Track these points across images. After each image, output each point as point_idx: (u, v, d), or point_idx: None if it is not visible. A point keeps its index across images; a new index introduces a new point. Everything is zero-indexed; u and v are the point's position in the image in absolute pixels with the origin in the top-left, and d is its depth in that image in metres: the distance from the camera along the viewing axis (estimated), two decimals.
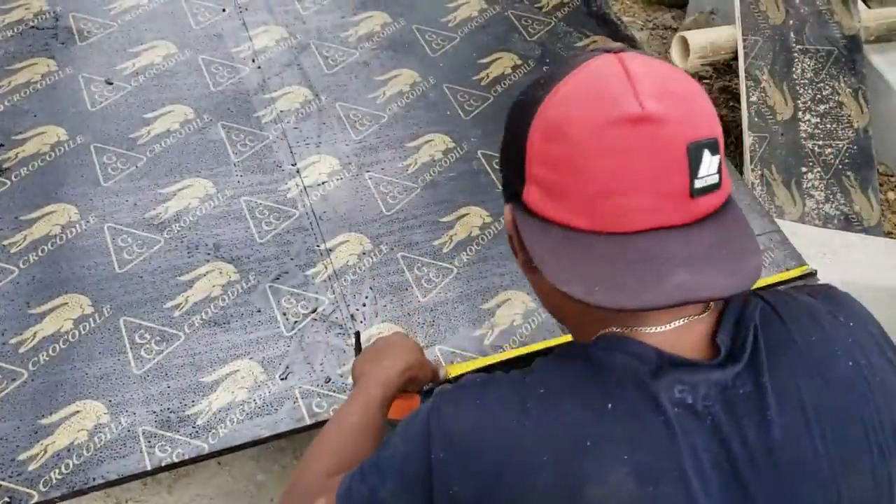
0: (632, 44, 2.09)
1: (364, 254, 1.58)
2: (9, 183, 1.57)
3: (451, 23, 2.07)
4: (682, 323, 0.74)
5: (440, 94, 1.89)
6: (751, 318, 0.75)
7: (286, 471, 1.67)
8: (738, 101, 2.49)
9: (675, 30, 2.75)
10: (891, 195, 2.23)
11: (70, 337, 1.39)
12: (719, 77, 2.53)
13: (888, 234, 2.13)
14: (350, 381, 1.28)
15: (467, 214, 1.67)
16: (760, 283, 1.60)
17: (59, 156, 1.63)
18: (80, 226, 1.53)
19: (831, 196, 2.07)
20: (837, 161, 2.10)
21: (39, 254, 1.48)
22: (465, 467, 0.72)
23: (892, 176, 2.27)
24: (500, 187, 0.84)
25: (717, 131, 0.72)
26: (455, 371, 1.36)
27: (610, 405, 0.70)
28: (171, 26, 1.92)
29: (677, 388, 0.70)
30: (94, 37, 1.86)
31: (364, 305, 1.50)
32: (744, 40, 2.13)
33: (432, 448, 0.74)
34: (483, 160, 1.77)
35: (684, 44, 2.22)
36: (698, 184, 0.69)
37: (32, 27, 1.85)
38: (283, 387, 1.38)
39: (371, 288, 1.53)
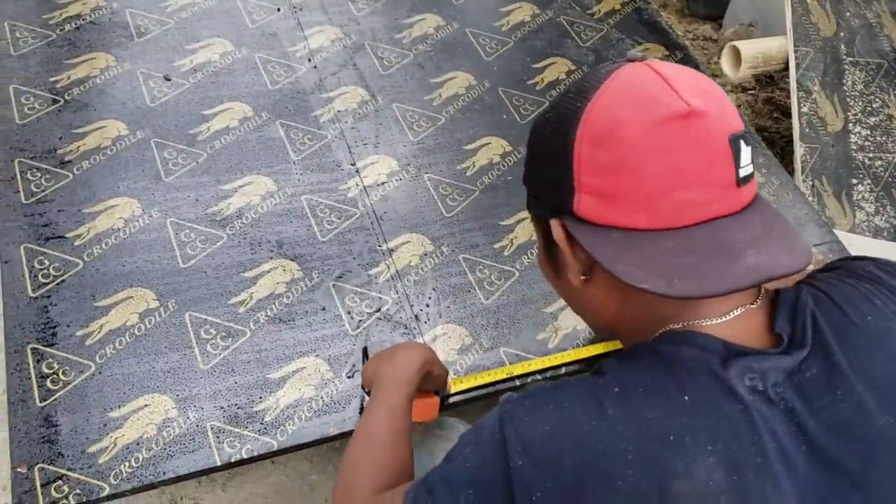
0: (684, 52, 2.09)
1: (426, 255, 1.57)
2: (71, 176, 1.56)
3: (504, 27, 2.07)
4: (737, 313, 0.76)
5: (496, 97, 1.89)
6: (805, 304, 0.77)
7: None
8: (783, 113, 2.50)
9: (715, 41, 2.75)
10: None
11: (136, 330, 1.38)
12: (762, 88, 2.53)
13: None
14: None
15: (527, 218, 1.66)
16: None
17: (120, 150, 1.62)
18: (142, 220, 1.52)
19: (881, 208, 2.06)
20: (887, 174, 2.10)
21: (103, 247, 1.47)
22: (545, 473, 0.71)
23: None
24: (530, 206, 0.87)
25: (743, 124, 0.76)
26: (457, 386, 1.35)
27: (686, 397, 0.71)
28: (226, 24, 1.92)
29: (748, 376, 0.72)
30: (151, 33, 1.86)
31: (427, 306, 1.49)
32: (795, 51, 2.13)
33: (510, 456, 0.73)
34: None
35: (735, 53, 2.22)
36: (742, 172, 0.73)
37: (90, 22, 1.85)
38: (349, 385, 1.37)
39: (434, 289, 1.52)
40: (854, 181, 2.07)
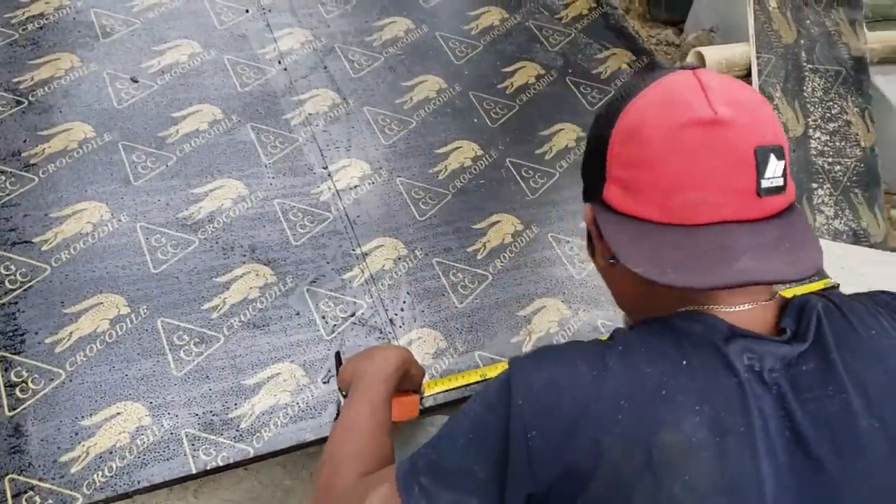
0: (650, 57, 2.12)
1: (399, 259, 1.57)
2: (36, 179, 1.53)
3: (473, 31, 2.08)
4: (749, 307, 0.81)
5: (466, 101, 1.90)
6: (813, 308, 0.82)
7: (314, 476, 1.65)
8: None
9: (678, 46, 2.79)
10: (894, 213, 2.28)
11: (107, 337, 1.36)
12: None
13: (893, 251, 2.19)
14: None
15: (499, 222, 1.67)
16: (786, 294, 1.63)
17: (87, 153, 1.59)
18: (111, 224, 1.50)
19: (840, 212, 2.12)
20: (846, 178, 2.15)
21: (71, 252, 1.45)
22: (544, 415, 0.75)
23: (894, 194, 2.33)
24: (582, 191, 0.92)
25: (783, 140, 0.79)
26: (431, 388, 1.36)
27: (685, 362, 0.76)
28: (194, 25, 1.89)
29: (746, 355, 0.77)
30: (117, 34, 1.83)
31: (402, 310, 1.50)
32: (757, 58, 2.18)
33: (512, 398, 0.78)
34: (512, 168, 1.78)
35: (700, 59, 2.26)
36: (765, 184, 0.76)
37: (54, 21, 1.81)
38: (325, 390, 1.37)
39: (408, 293, 1.52)
40: (814, 185, 2.12)
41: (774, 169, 0.77)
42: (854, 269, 1.81)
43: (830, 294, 0.87)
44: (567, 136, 1.86)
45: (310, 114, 1.78)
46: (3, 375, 1.28)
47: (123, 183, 1.56)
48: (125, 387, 1.31)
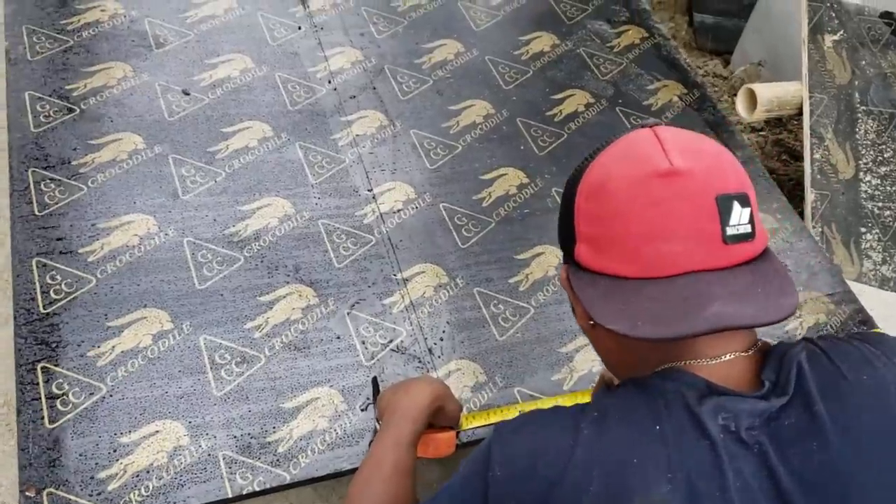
0: (701, 90, 2.10)
1: (440, 286, 1.56)
2: (85, 189, 1.54)
3: (523, 56, 2.07)
4: (728, 358, 0.80)
5: (514, 127, 1.89)
6: (794, 357, 0.81)
7: (343, 501, 1.64)
8: (791, 156, 2.51)
9: (725, 78, 2.76)
10: None
11: (149, 353, 1.36)
12: (771, 130, 2.54)
13: None
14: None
15: (543, 254, 1.65)
16: None
17: (137, 164, 1.60)
18: (158, 238, 1.50)
19: (889, 258, 2.08)
20: (895, 224, 2.11)
21: (117, 264, 1.45)
22: (519, 484, 0.77)
23: None
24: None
25: (747, 187, 0.80)
26: (468, 422, 1.35)
27: (658, 427, 0.76)
28: (247, 40, 1.90)
29: (721, 415, 0.76)
30: (171, 44, 1.84)
31: (441, 340, 1.48)
32: (810, 97, 2.15)
33: (490, 468, 0.80)
34: (557, 198, 1.76)
35: (751, 95, 2.24)
36: (730, 231, 0.77)
37: (108, 30, 1.82)
38: (363, 417, 1.36)
39: (448, 322, 1.51)
40: (863, 230, 2.08)
41: (739, 216, 0.77)
42: None
43: (818, 339, 0.85)
44: None
45: (357, 135, 1.77)
46: (44, 386, 1.28)
47: (172, 196, 1.57)
48: (165, 404, 1.31)
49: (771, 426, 0.76)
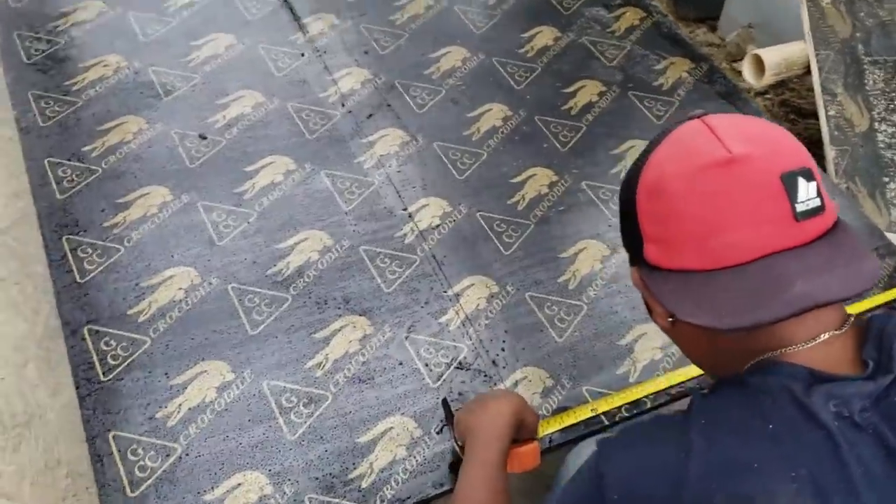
0: (709, 63, 2.09)
1: (492, 296, 1.54)
2: (122, 249, 1.51)
3: (528, 53, 2.06)
4: (823, 339, 0.79)
5: (533, 126, 1.87)
6: (893, 331, 0.79)
7: None
8: (798, 114, 2.51)
9: (719, 46, 2.76)
10: None
11: (216, 406, 1.34)
12: (775, 92, 2.55)
13: None
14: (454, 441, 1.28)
15: (585, 248, 1.64)
16: (881, 299, 1.59)
17: (168, 217, 1.58)
18: (203, 288, 1.48)
19: None
20: None
21: (168, 320, 1.43)
22: (638, 501, 0.76)
23: None
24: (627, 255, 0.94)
25: (809, 162, 0.80)
26: (544, 428, 1.34)
27: (770, 426, 0.75)
28: (253, 75, 1.88)
29: (832, 402, 0.75)
30: (179, 90, 1.82)
31: (503, 350, 1.47)
32: (816, 55, 2.14)
33: (605, 492, 0.78)
34: (589, 191, 1.75)
35: (758, 61, 2.23)
36: (800, 207, 0.76)
37: (115, 84, 1.80)
38: (439, 440, 1.34)
39: (506, 331, 1.50)
40: (886, 179, 2.09)
41: (807, 191, 0.77)
42: None
43: None
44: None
45: (381, 155, 1.76)
46: (119, 454, 1.26)
47: (208, 244, 1.55)
48: (242, 455, 1.29)
49: (882, 406, 0.75)
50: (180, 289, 1.48)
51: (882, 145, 2.12)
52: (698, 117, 0.86)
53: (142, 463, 1.26)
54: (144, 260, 1.51)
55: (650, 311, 0.93)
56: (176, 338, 1.41)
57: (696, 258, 0.79)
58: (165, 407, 1.33)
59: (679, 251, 0.80)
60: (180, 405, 1.33)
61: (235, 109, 1.80)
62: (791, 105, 2.49)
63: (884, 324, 0.81)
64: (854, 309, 1.52)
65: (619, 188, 0.94)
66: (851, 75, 2.18)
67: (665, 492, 0.74)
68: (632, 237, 0.89)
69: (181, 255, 1.52)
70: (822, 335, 0.79)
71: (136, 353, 1.38)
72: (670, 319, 0.87)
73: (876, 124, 2.14)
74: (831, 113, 2.10)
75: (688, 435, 0.77)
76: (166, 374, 1.37)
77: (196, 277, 1.50)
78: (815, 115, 2.18)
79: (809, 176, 0.78)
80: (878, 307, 1.57)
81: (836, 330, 0.80)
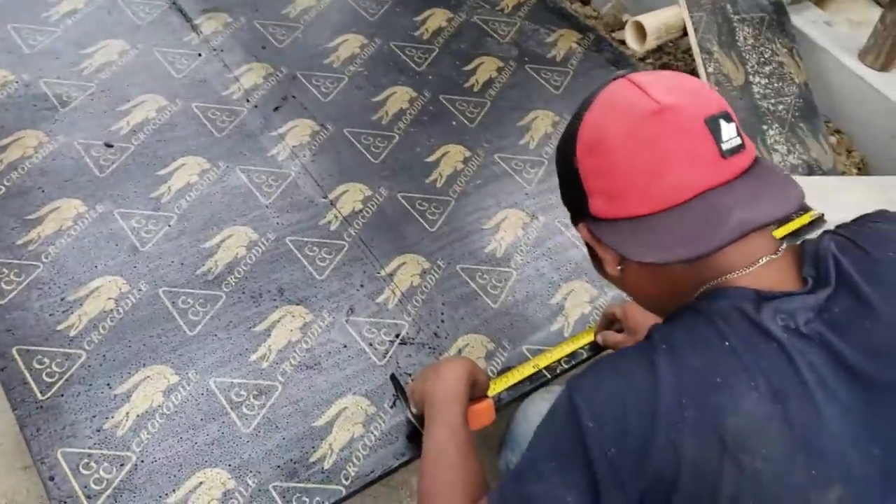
0: (595, 33, 2.19)
1: (425, 272, 1.58)
2: (41, 265, 1.46)
3: (424, 35, 2.10)
4: (762, 262, 0.86)
5: (440, 105, 1.92)
6: (826, 248, 0.87)
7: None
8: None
9: (597, 17, 2.88)
10: (832, 139, 2.44)
11: (165, 409, 1.32)
12: (654, 56, 2.68)
13: (842, 174, 2.34)
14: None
15: (506, 218, 1.70)
16: (780, 232, 1.73)
17: (85, 228, 1.53)
18: (133, 296, 1.45)
19: (791, 148, 2.25)
20: (790, 115, 2.29)
21: (102, 332, 1.40)
22: (615, 430, 0.80)
23: (829, 122, 2.49)
24: (569, 216, 0.99)
25: (725, 106, 0.87)
26: (493, 389, 1.39)
27: (727, 343, 0.81)
28: (152, 79, 1.84)
29: (779, 316, 0.82)
30: (76, 100, 1.76)
31: (443, 322, 1.51)
32: (691, 17, 2.28)
33: (582, 421, 0.82)
34: (502, 163, 1.81)
35: (638, 28, 2.35)
36: (725, 146, 0.84)
37: (5, 99, 1.73)
38: (394, 414, 1.37)
39: (443, 304, 1.54)
40: (764, 127, 2.25)
41: (728, 131, 0.85)
42: (830, 198, 1.93)
43: (839, 230, 0.93)
44: (544, 123, 1.91)
45: (294, 146, 1.76)
46: (70, 470, 1.23)
47: (131, 252, 1.52)
48: (199, 454, 1.28)
49: (825, 316, 0.82)
50: (110, 298, 1.44)
51: (758, 96, 2.28)
52: (623, 76, 0.92)
53: (96, 476, 1.23)
54: (67, 274, 1.46)
55: (598, 263, 0.98)
56: (112, 347, 1.38)
57: (642, 203, 0.85)
58: (112, 417, 1.30)
59: (625, 200, 0.86)
60: (128, 413, 1.31)
61: (139, 115, 1.76)
62: (670, 67, 2.64)
63: (817, 245, 0.89)
64: (777, 234, 1.64)
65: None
66: (724, 34, 2.33)
67: (639, 414, 0.79)
68: (574, 194, 0.93)
69: (105, 265, 1.49)
70: (760, 259, 0.87)
71: (73, 368, 1.34)
72: (619, 267, 0.93)
73: (751, 77, 2.30)
74: (710, 70, 2.24)
75: (653, 360, 0.81)
76: (108, 384, 1.34)
77: (124, 285, 1.47)
78: (694, 75, 2.31)
79: (728, 118, 0.86)
80: (794, 232, 1.69)
81: (772, 254, 0.88)
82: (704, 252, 0.81)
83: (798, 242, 0.93)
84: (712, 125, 0.84)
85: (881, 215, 0.95)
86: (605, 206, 0.89)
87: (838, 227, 0.95)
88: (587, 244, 0.98)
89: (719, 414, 0.77)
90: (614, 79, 0.92)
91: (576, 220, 0.97)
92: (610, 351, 1.43)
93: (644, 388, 0.80)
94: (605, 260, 0.94)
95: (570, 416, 0.83)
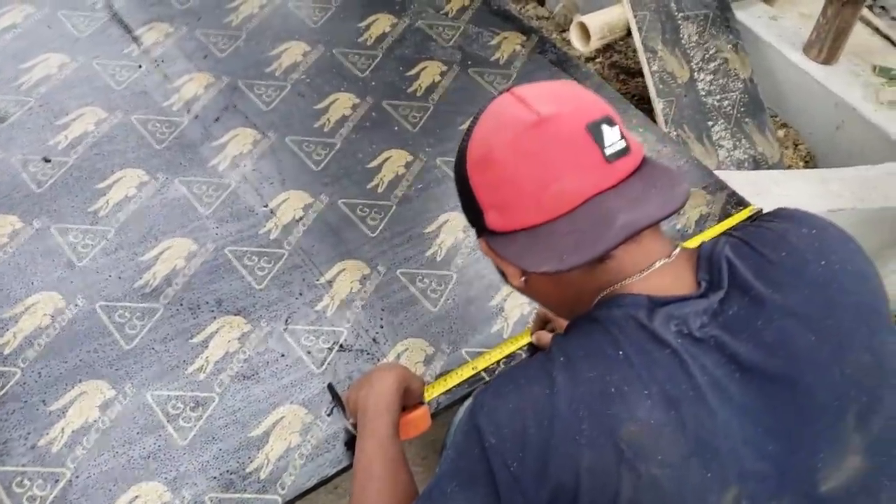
0: (538, 34, 2.21)
1: (365, 278, 1.59)
2: None
3: (368, 41, 2.11)
4: (657, 267, 0.88)
5: (382, 111, 1.93)
6: (720, 252, 0.89)
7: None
8: (627, 74, 2.68)
9: (549, 18, 2.90)
10: (779, 133, 2.47)
11: (101, 424, 1.32)
12: (603, 55, 2.70)
13: (789, 167, 2.37)
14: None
15: (448, 221, 1.72)
16: (717, 230, 1.75)
17: (21, 244, 1.53)
18: (69, 311, 1.45)
19: (738, 143, 2.28)
20: (735, 111, 2.32)
21: (37, 348, 1.40)
22: (516, 445, 0.81)
23: (775, 116, 2.52)
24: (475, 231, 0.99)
25: (608, 111, 0.89)
26: (431, 393, 1.41)
27: (621, 352, 0.82)
28: (91, 91, 1.84)
29: (672, 322, 0.84)
30: (14, 115, 1.75)
31: (382, 327, 1.52)
32: (634, 16, 2.30)
33: (484, 438, 0.83)
34: (444, 167, 1.82)
35: (583, 28, 2.37)
36: (608, 150, 0.85)
37: None
38: (331, 422, 1.38)
39: (383, 309, 1.55)
40: (710, 123, 2.27)
41: (610, 135, 0.86)
42: (769, 192, 1.96)
43: (734, 231, 0.95)
44: None
45: (234, 155, 1.76)
46: (5, 490, 1.23)
47: (68, 267, 1.52)
48: (134, 468, 1.28)
49: (719, 319, 0.84)
50: (45, 315, 1.44)
51: (703, 93, 2.31)
52: (507, 91, 0.93)
53: (30, 493, 1.23)
54: (2, 291, 1.46)
55: (504, 276, 1.00)
56: (48, 364, 1.38)
57: (532, 214, 0.86)
58: (47, 433, 1.30)
59: (516, 211, 0.87)
60: (63, 429, 1.31)
61: (78, 128, 1.76)
62: (619, 66, 2.66)
63: (712, 247, 0.91)
64: (693, 243, 1.66)
65: None
66: (668, 31, 2.35)
67: (536, 426, 0.80)
68: (472, 210, 0.95)
69: (41, 282, 1.49)
70: (654, 264, 0.88)
71: (8, 386, 1.34)
72: (523, 278, 0.95)
73: (696, 74, 2.33)
74: (655, 68, 2.26)
75: (551, 374, 0.83)
76: (43, 401, 1.34)
77: (60, 301, 1.47)
78: (642, 74, 2.34)
79: (611, 122, 0.87)
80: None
81: (666, 258, 0.89)
82: (593, 257, 0.82)
83: (697, 246, 0.94)
84: (594, 131, 0.85)
85: (775, 214, 0.96)
86: (500, 219, 0.90)
87: (734, 228, 0.97)
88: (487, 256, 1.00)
89: (614, 424, 0.78)
90: (500, 93, 0.94)
91: (478, 233, 0.99)
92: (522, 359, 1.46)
93: (542, 401, 0.82)
94: (508, 272, 0.96)
95: (472, 434, 0.85)
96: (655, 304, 0.85)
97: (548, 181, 0.85)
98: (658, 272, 0.88)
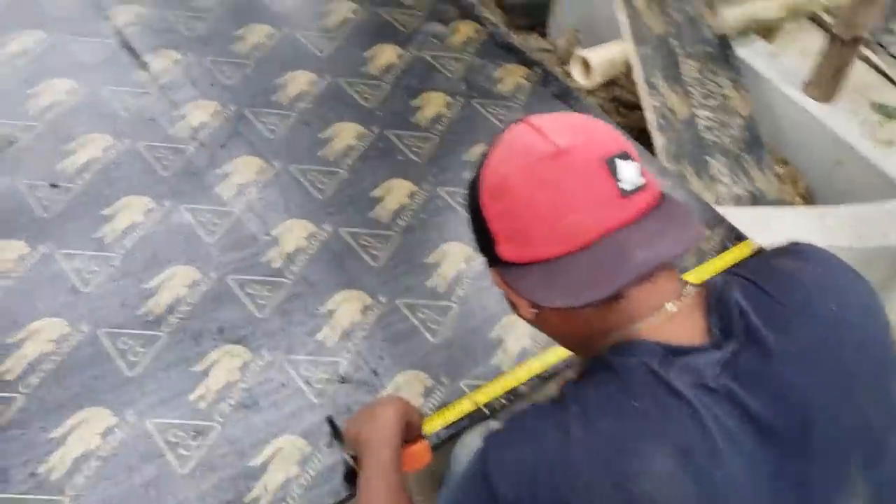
0: (541, 67, 2.23)
1: (366, 308, 1.60)
2: None
3: (374, 71, 2.13)
4: (668, 308, 0.87)
5: (387, 141, 1.95)
6: (731, 297, 0.89)
7: None
8: (627, 107, 2.71)
9: (550, 51, 2.94)
10: (779, 169, 2.49)
11: (101, 452, 1.33)
12: (605, 89, 2.73)
13: (787, 203, 2.40)
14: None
15: (450, 251, 1.73)
16: (718, 267, 1.77)
17: (27, 270, 1.54)
18: (73, 337, 1.46)
19: (736, 179, 2.30)
20: (734, 147, 2.34)
21: (39, 374, 1.40)
22: (528, 493, 0.80)
23: (774, 153, 2.55)
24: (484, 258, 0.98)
25: (625, 146, 0.88)
26: (430, 426, 1.41)
27: (636, 403, 0.81)
28: (99, 117, 1.86)
29: (687, 374, 0.83)
30: (21, 141, 1.77)
31: (382, 358, 1.53)
32: (636, 52, 2.33)
33: (493, 488, 0.82)
34: (447, 197, 1.84)
35: (585, 63, 2.40)
36: (625, 185, 0.84)
37: None
38: (330, 454, 1.39)
39: (383, 340, 1.56)
40: (709, 159, 2.30)
41: (627, 170, 0.85)
42: (768, 228, 1.98)
43: (740, 270, 0.94)
44: None
45: (239, 184, 1.78)
46: None
47: (72, 293, 1.53)
48: (134, 497, 1.29)
49: (731, 371, 0.83)
50: (50, 341, 1.45)
51: (703, 129, 2.34)
52: (522, 121, 0.93)
53: None
54: (7, 317, 1.47)
55: (514, 307, 0.98)
56: (51, 390, 1.39)
57: (547, 246, 0.85)
58: (47, 461, 1.31)
59: (530, 243, 0.86)
60: (63, 457, 1.31)
61: (85, 154, 1.78)
62: (621, 100, 2.69)
63: (721, 289, 0.90)
64: (695, 277, 1.68)
65: None
66: (669, 67, 2.38)
67: (552, 478, 0.79)
68: (485, 241, 0.93)
69: (46, 307, 1.50)
70: (665, 305, 0.88)
71: (10, 413, 1.35)
72: (535, 311, 0.93)
73: (696, 110, 2.36)
74: (656, 104, 2.29)
75: (565, 424, 0.82)
76: (44, 427, 1.34)
77: (65, 327, 1.47)
78: (642, 107, 2.37)
79: (626, 157, 0.86)
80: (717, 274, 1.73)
81: (676, 298, 0.89)
82: (610, 292, 0.82)
83: (702, 284, 0.94)
84: (610, 165, 0.85)
85: (785, 250, 0.96)
86: (513, 251, 0.89)
87: (741, 265, 0.96)
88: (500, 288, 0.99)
89: (630, 479, 0.77)
90: (516, 122, 0.94)
91: (490, 263, 0.98)
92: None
93: (556, 452, 0.81)
94: (518, 304, 0.95)
95: (483, 483, 0.84)
96: (670, 352, 0.85)
97: (563, 211, 0.84)
98: (671, 318, 0.88)
